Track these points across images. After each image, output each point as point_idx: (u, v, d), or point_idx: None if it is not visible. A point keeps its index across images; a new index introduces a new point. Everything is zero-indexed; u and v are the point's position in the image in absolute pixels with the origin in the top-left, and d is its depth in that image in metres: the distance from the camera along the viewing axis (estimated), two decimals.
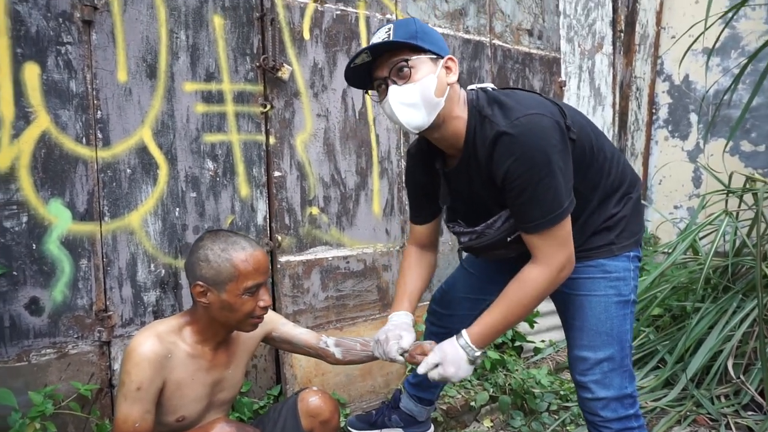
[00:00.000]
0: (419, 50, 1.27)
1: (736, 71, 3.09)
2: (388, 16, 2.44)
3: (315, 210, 2.22)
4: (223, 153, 1.99)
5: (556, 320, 1.66)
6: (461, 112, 1.34)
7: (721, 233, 2.73)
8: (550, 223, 1.28)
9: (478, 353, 1.37)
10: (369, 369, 2.31)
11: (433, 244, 1.66)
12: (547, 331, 2.98)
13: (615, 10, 3.96)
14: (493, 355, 2.45)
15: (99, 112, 1.72)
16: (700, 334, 2.54)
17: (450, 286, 1.81)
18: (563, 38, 3.49)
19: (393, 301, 1.61)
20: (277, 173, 2.11)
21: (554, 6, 3.28)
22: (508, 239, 1.41)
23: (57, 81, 1.64)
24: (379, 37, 1.30)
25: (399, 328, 1.46)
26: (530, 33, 3.11)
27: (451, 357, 1.36)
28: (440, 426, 2.18)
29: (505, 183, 1.29)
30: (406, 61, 1.27)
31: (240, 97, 2.02)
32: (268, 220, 2.11)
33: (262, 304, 1.34)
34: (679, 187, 4.25)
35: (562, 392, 2.49)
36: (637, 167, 4.28)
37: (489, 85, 1.41)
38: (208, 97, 1.94)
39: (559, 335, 2.88)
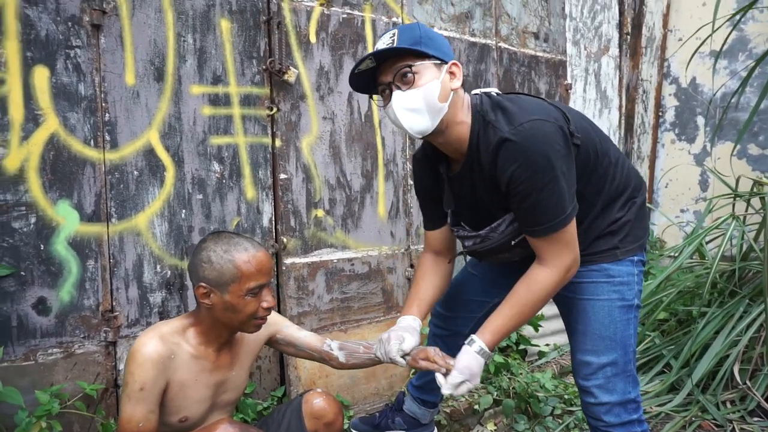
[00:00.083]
0: (423, 56, 1.28)
1: (744, 74, 3.07)
2: (394, 19, 2.44)
3: (320, 212, 2.23)
4: (230, 155, 2.00)
5: (560, 324, 1.65)
6: (465, 117, 1.35)
7: (728, 237, 2.71)
8: (554, 229, 1.29)
9: (490, 355, 1.38)
10: (373, 371, 2.31)
11: (449, 249, 1.63)
12: (551, 334, 2.97)
13: (621, 12, 3.95)
14: (498, 358, 2.45)
15: (107, 115, 1.74)
16: (706, 339, 2.53)
17: (454, 289, 1.81)
18: (569, 41, 3.49)
19: (403, 306, 1.61)
20: (282, 176, 2.12)
21: (560, 9, 3.27)
22: (512, 242, 1.41)
23: (66, 84, 1.66)
24: (383, 42, 1.31)
25: (403, 330, 1.46)
26: (536, 36, 3.11)
27: (476, 369, 1.35)
28: (444, 429, 2.18)
29: (510, 188, 1.29)
30: (410, 66, 1.28)
31: (246, 100, 2.03)
32: (273, 222, 2.12)
33: (265, 305, 1.34)
34: (686, 191, 4.23)
35: (566, 396, 2.48)
36: (644, 170, 4.27)
37: (493, 90, 1.41)
38: (215, 100, 1.96)
39: (564, 339, 2.88)
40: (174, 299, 1.89)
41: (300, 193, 2.17)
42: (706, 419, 2.33)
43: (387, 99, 1.33)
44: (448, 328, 1.79)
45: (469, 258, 1.72)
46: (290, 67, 2.08)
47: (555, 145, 1.25)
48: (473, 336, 1.38)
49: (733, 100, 2.99)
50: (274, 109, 2.08)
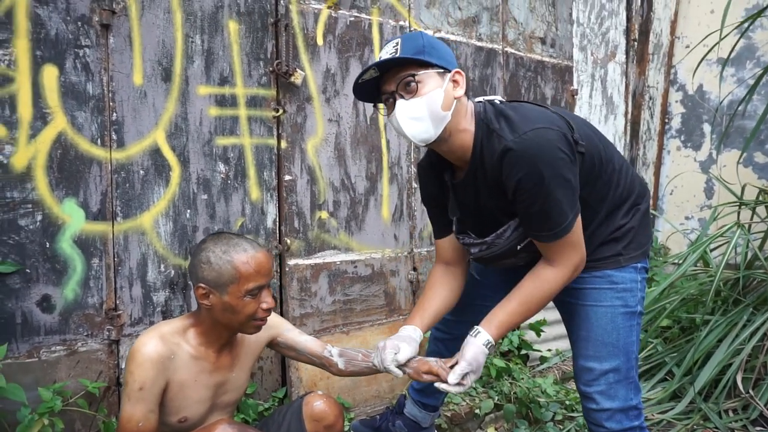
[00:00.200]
0: (426, 65, 1.29)
1: (751, 82, 3.06)
2: (402, 23, 2.45)
3: (324, 214, 2.24)
4: (235, 156, 2.01)
5: (562, 329, 1.65)
6: (468, 125, 1.35)
7: (732, 245, 2.70)
8: (561, 234, 1.31)
9: (493, 348, 1.39)
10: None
11: (460, 258, 1.61)
12: (553, 339, 2.97)
13: (629, 18, 3.95)
14: (499, 363, 2.45)
15: (114, 114, 1.75)
16: (709, 347, 2.52)
17: None
18: (576, 46, 3.48)
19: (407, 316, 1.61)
20: (287, 177, 2.13)
21: (567, 14, 3.27)
22: (518, 247, 1.42)
23: (74, 83, 1.68)
24: (387, 52, 1.31)
25: (401, 340, 1.46)
26: (543, 41, 3.11)
27: (482, 360, 1.37)
28: None
29: (516, 196, 1.30)
30: (413, 76, 1.28)
31: (253, 101, 2.04)
32: (277, 223, 2.13)
33: (264, 306, 1.34)
34: (691, 198, 4.22)
35: (567, 402, 2.48)
36: (649, 177, 4.26)
37: (497, 98, 1.42)
38: (222, 101, 1.97)
39: (566, 344, 2.86)
40: (177, 299, 1.90)
41: (304, 194, 2.18)
42: (708, 428, 2.32)
43: (391, 108, 1.34)
44: (450, 332, 1.79)
45: (473, 263, 1.72)
46: (297, 69, 2.09)
47: (559, 153, 1.25)
48: (479, 327, 1.38)
49: (740, 108, 2.98)
50: (280, 111, 2.09)
